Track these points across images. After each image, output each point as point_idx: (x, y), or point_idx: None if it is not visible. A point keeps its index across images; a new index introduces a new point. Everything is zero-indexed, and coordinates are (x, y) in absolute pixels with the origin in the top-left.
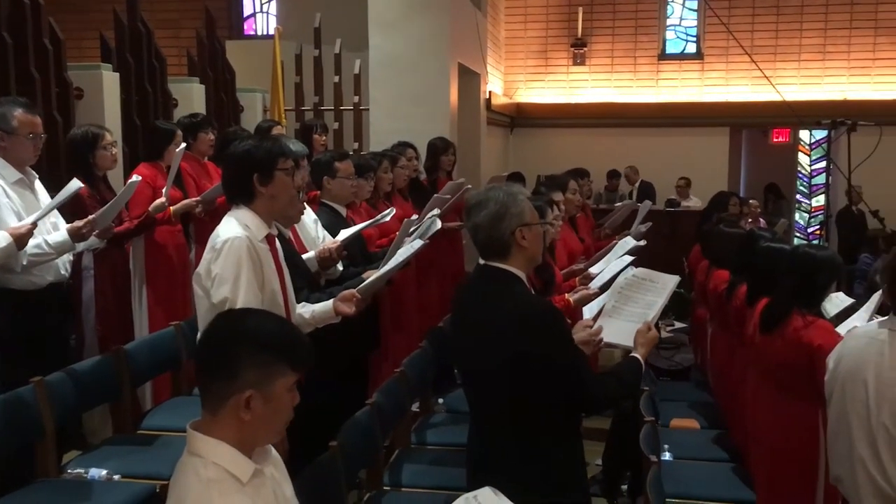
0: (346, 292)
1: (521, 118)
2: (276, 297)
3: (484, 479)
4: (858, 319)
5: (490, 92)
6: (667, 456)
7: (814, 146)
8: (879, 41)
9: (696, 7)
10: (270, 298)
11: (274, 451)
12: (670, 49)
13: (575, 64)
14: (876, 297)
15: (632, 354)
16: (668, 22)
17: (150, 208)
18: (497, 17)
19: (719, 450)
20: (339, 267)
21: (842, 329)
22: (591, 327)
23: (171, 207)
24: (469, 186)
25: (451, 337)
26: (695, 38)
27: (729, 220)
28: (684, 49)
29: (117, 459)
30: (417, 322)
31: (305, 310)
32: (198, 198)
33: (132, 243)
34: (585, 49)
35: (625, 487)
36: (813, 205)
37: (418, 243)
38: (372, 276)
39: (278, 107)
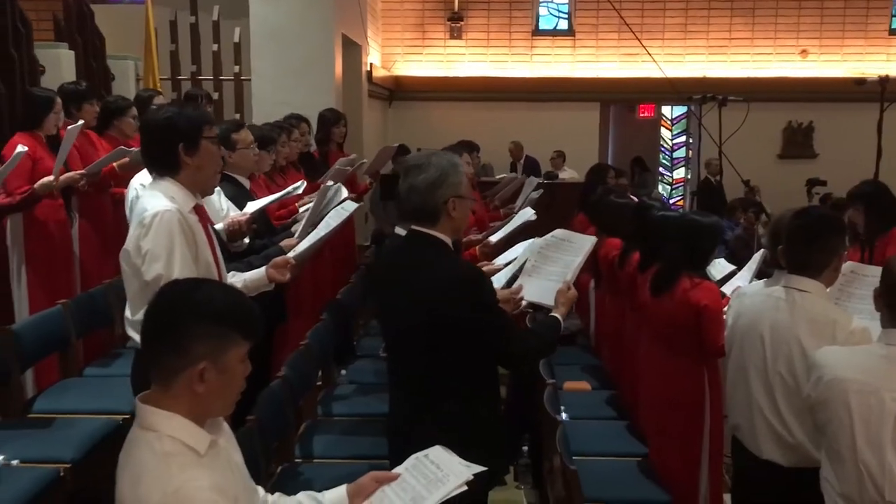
0: (278, 259)
1: (399, 91)
2: (211, 268)
3: (410, 442)
4: (741, 280)
5: (371, 64)
6: (563, 416)
7: (675, 121)
8: (735, 21)
9: None
10: (205, 271)
11: (223, 421)
12: (543, 25)
13: (452, 37)
14: (756, 259)
15: (551, 314)
16: None
17: (36, 186)
18: None
19: (611, 409)
20: (246, 240)
21: (727, 289)
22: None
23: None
24: (364, 161)
25: (376, 298)
26: (567, 15)
27: (618, 192)
28: (556, 25)
29: (12, 444)
30: (311, 302)
31: (236, 279)
32: (82, 171)
33: (9, 219)
34: (462, 23)
35: (525, 448)
36: (674, 177)
37: (351, 206)
38: (304, 242)
39: (153, 75)
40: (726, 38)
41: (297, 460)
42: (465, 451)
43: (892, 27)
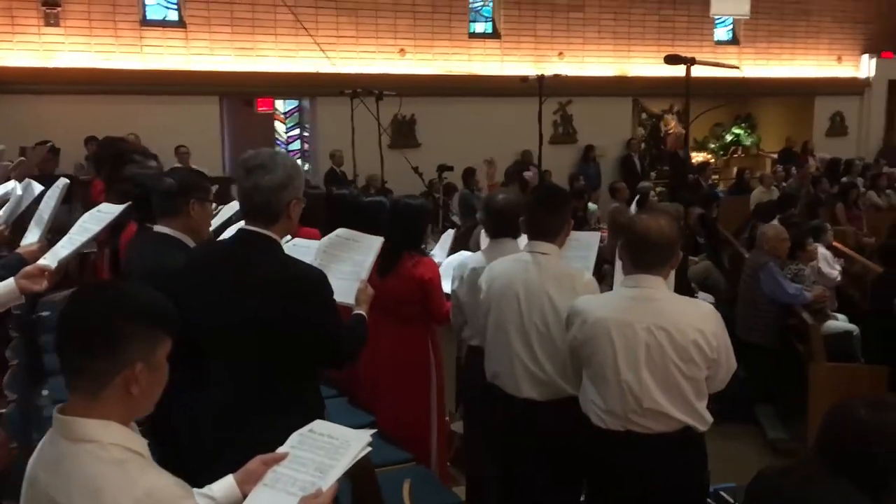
0: (31, 268)
1: None
2: None
3: (234, 445)
4: (438, 256)
5: None
6: None
7: (288, 115)
8: (341, 20)
9: None
10: None
11: None
12: (151, 15)
13: (48, 24)
14: (446, 238)
15: (357, 311)
16: None
17: None
18: None
19: (327, 390)
20: None
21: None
22: None
23: None
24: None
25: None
26: (175, 6)
27: (307, 184)
28: (166, 16)
29: None
30: None
31: None
32: None
33: None
34: (59, 9)
35: None
36: None
37: (111, 208)
38: (63, 249)
39: None
40: (334, 35)
41: None
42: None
43: (471, 31)
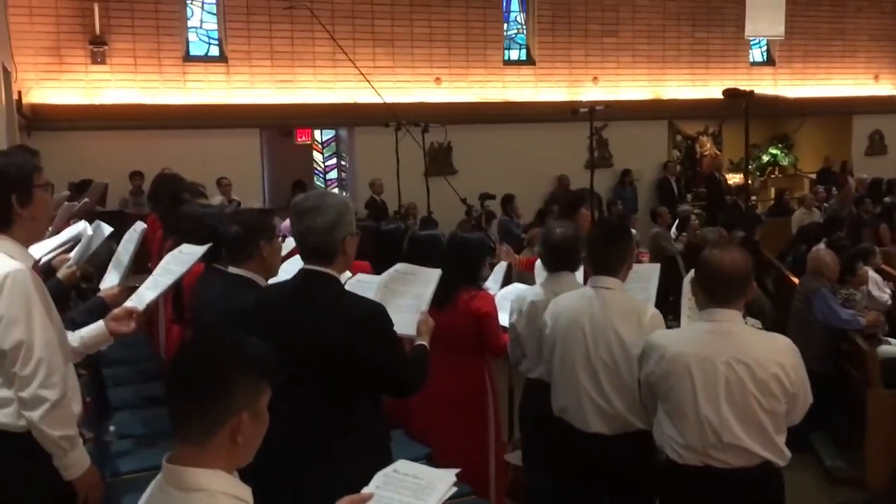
0: (120, 310)
1: (38, 120)
2: (61, 327)
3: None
4: (492, 288)
5: (20, 92)
6: None
7: (325, 144)
8: (378, 51)
9: (215, 11)
10: (59, 330)
11: None
12: (194, 51)
13: (95, 63)
14: (499, 270)
15: (418, 342)
16: (189, 24)
17: None
18: None
19: None
20: None
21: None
22: None
23: None
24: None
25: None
26: (217, 42)
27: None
28: (208, 52)
29: None
30: None
31: (71, 337)
32: None
33: None
34: (105, 48)
35: None
36: None
37: (194, 249)
38: (149, 292)
39: None
40: (371, 66)
41: None
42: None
43: (505, 58)
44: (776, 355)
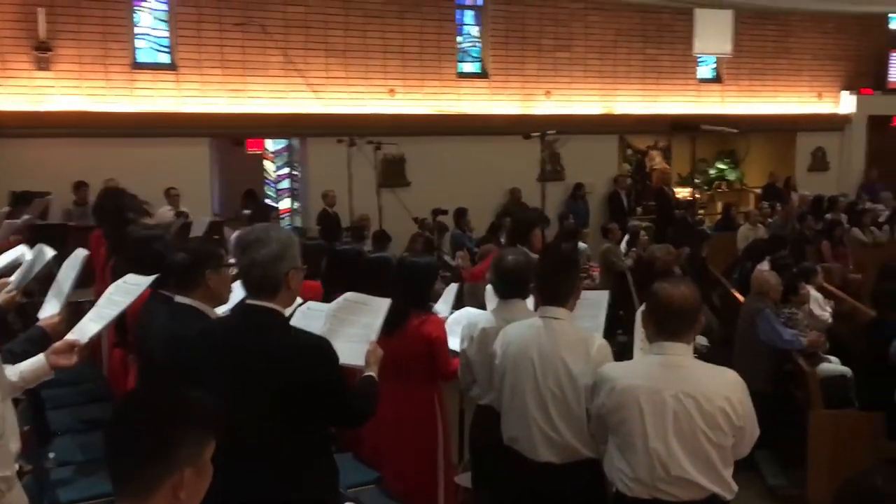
0: (61, 344)
1: None
2: None
3: None
4: (442, 310)
5: None
6: None
7: (277, 154)
8: (330, 62)
9: (166, 18)
10: None
11: None
12: (142, 58)
13: (39, 69)
14: (450, 292)
15: (367, 373)
16: (137, 30)
17: None
18: None
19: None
20: None
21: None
22: None
23: None
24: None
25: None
26: (167, 49)
27: (304, 234)
28: (157, 59)
29: None
30: None
31: (10, 371)
32: None
33: None
34: (50, 53)
35: None
36: (280, 207)
37: (140, 280)
38: (93, 325)
39: None
40: (324, 76)
41: None
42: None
43: (458, 71)
44: (724, 389)
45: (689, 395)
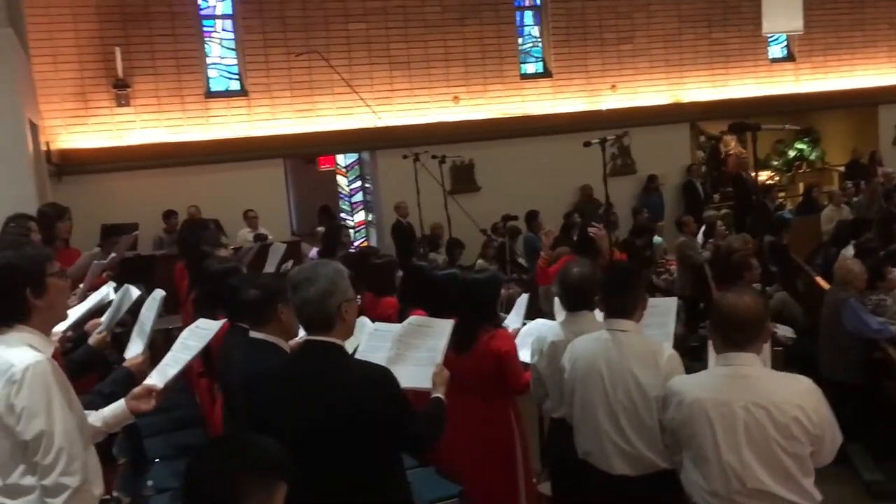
0: (140, 389)
1: (67, 166)
2: (82, 413)
3: None
4: (513, 322)
5: (47, 143)
6: None
7: (349, 168)
8: (395, 74)
9: (233, 46)
10: (79, 417)
11: None
12: (215, 87)
13: (119, 105)
14: (521, 303)
15: (435, 395)
16: (209, 60)
17: None
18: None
19: (411, 460)
20: None
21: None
22: None
23: None
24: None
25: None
26: (237, 76)
27: (376, 253)
28: (228, 87)
29: None
30: None
31: (94, 418)
32: None
33: None
34: (129, 90)
35: None
36: (356, 220)
37: (211, 324)
38: (171, 369)
39: None
40: (388, 89)
41: None
42: None
43: (521, 72)
44: (796, 398)
45: (760, 405)
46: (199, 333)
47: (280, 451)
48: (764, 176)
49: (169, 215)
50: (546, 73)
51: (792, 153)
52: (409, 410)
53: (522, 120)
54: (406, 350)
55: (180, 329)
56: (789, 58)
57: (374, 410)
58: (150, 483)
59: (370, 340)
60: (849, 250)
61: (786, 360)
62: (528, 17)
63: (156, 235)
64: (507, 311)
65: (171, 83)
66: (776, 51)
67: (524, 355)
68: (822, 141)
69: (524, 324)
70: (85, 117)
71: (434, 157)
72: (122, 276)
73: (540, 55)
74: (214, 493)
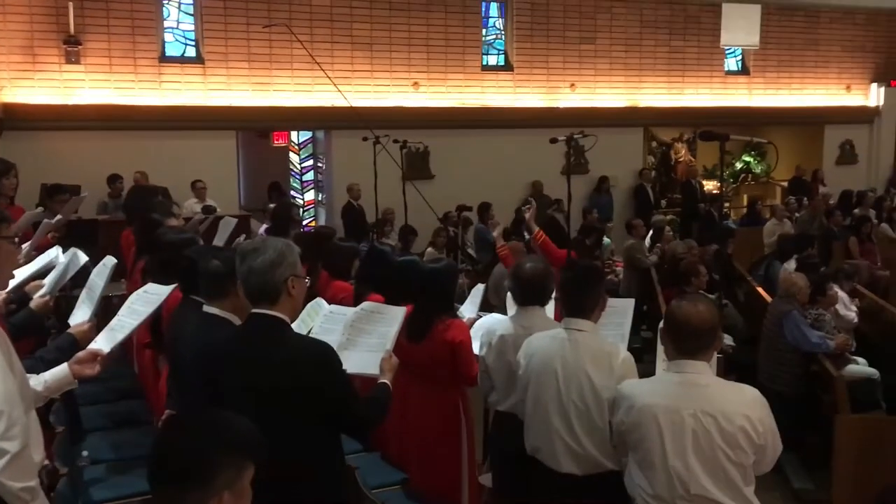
0: (84, 354)
1: (11, 120)
2: (24, 376)
3: None
4: (468, 311)
5: None
6: None
7: (302, 146)
8: (356, 55)
9: (192, 12)
10: (21, 379)
11: None
12: (170, 52)
13: (69, 62)
14: (476, 293)
15: (381, 381)
16: (166, 24)
17: None
18: None
19: (356, 444)
20: None
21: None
22: None
23: None
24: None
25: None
26: (194, 43)
27: (333, 233)
28: (184, 52)
29: None
30: None
31: (35, 381)
32: None
33: None
34: (80, 47)
35: None
36: (305, 199)
37: (161, 289)
38: (117, 333)
39: None
40: (349, 69)
41: None
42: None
43: (483, 64)
44: (743, 408)
45: (709, 413)
46: (147, 299)
47: (251, 431)
48: (711, 185)
49: (114, 179)
50: (507, 67)
51: (739, 165)
52: (352, 392)
53: (480, 111)
54: (357, 335)
55: (123, 297)
56: (744, 71)
57: (314, 388)
58: (85, 454)
59: (325, 323)
60: (791, 264)
61: (726, 367)
62: (494, 8)
63: (100, 199)
64: (458, 301)
65: (125, 44)
66: (732, 63)
67: (478, 348)
68: (768, 155)
69: (479, 315)
70: (32, 72)
71: (395, 141)
72: (66, 239)
73: (502, 48)
74: (183, 469)
